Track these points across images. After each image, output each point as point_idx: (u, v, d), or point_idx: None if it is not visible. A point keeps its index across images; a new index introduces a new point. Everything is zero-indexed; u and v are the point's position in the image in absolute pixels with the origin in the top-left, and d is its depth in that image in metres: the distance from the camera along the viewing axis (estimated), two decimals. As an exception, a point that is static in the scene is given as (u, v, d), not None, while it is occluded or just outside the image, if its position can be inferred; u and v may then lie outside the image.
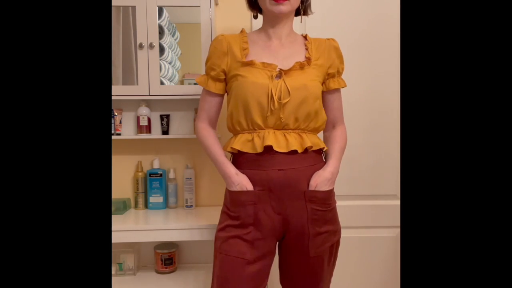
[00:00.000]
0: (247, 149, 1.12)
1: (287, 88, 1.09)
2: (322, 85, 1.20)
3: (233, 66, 1.15)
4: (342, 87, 1.24)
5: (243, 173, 1.14)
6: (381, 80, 1.71)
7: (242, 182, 1.12)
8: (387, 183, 1.74)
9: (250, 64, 1.13)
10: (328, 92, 1.22)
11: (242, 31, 1.23)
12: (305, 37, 1.23)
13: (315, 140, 1.16)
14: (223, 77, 1.18)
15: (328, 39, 1.23)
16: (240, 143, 1.13)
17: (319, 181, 1.13)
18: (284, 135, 1.12)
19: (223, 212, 1.19)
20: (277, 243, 1.20)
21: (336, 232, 1.19)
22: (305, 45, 1.20)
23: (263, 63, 1.13)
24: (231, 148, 1.15)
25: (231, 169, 1.14)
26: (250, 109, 1.10)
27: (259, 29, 1.24)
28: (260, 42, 1.20)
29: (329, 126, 1.26)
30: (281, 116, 1.10)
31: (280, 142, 1.11)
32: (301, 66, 1.13)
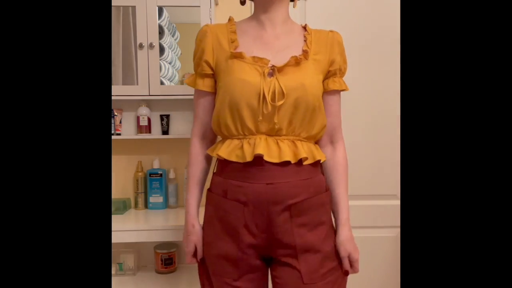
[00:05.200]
0: (234, 158, 0.96)
1: (281, 88, 0.94)
2: (322, 83, 1.04)
3: (220, 59, 1.00)
4: (343, 90, 1.05)
5: (226, 183, 0.98)
6: (381, 80, 1.72)
7: (190, 242, 1.03)
8: (387, 183, 1.74)
9: (239, 56, 0.97)
10: (327, 93, 1.04)
11: (230, 19, 1.07)
12: (304, 27, 1.07)
13: (311, 150, 0.99)
14: (210, 72, 1.02)
15: (331, 31, 1.06)
16: (228, 152, 0.97)
17: (351, 246, 1.00)
18: (277, 142, 0.96)
19: (206, 223, 1.04)
20: (268, 265, 1.05)
21: (334, 257, 1.00)
22: (304, 36, 1.04)
23: (253, 57, 0.97)
24: (217, 154, 0.99)
25: (191, 221, 1.04)
26: (240, 111, 0.94)
27: (250, 16, 1.07)
28: (251, 32, 1.03)
29: (326, 139, 1.06)
30: (276, 121, 0.94)
31: (272, 151, 0.95)
32: (297, 61, 0.96)
